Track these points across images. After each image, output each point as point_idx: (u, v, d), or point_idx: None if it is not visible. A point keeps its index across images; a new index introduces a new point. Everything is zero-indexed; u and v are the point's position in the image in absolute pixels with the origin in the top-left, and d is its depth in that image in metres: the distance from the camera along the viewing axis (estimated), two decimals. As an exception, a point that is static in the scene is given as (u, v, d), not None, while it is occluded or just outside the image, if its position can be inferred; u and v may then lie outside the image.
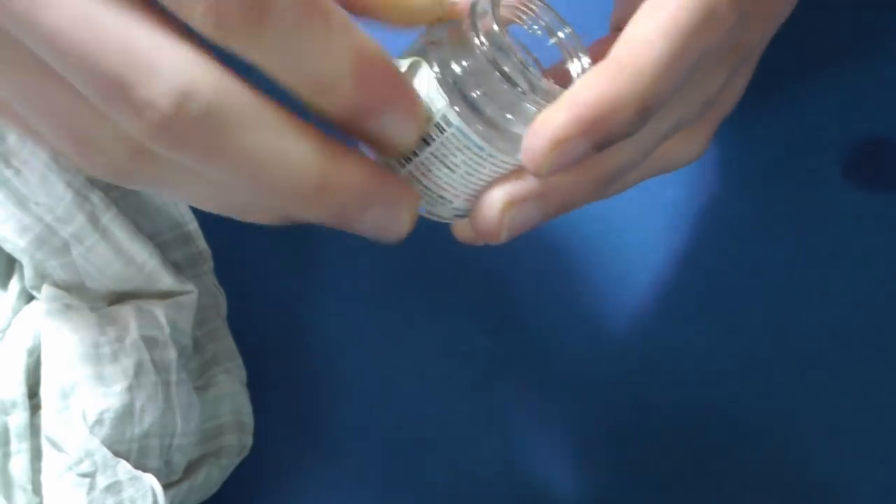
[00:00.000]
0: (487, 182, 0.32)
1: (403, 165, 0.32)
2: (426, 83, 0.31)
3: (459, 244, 0.47)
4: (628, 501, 0.45)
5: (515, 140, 0.31)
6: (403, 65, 0.32)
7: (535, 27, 0.33)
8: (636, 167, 0.34)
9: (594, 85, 0.31)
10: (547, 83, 0.31)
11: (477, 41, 0.31)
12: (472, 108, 0.31)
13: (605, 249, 0.47)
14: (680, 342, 0.46)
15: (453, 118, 0.31)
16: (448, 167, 0.32)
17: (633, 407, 0.46)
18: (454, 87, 0.31)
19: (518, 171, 0.32)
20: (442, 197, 0.33)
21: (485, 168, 0.32)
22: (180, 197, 0.31)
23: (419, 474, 0.46)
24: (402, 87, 0.30)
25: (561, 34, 0.33)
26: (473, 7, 0.32)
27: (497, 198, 0.32)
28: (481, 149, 0.31)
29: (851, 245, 0.47)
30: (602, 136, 0.31)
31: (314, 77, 0.28)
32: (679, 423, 0.46)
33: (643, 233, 0.47)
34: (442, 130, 0.31)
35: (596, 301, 0.47)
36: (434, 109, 0.31)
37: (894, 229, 0.46)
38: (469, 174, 0.32)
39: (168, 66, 0.27)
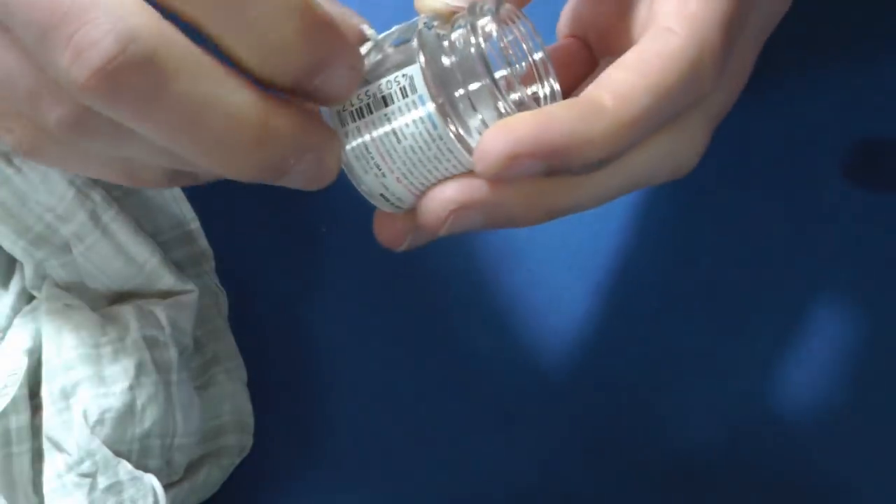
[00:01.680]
0: (423, 175, 0.33)
1: (354, 120, 0.32)
2: (404, 53, 0.32)
3: (459, 244, 0.47)
4: (628, 501, 0.45)
5: (469, 140, 0.32)
6: (389, 31, 0.33)
7: (516, 47, 0.33)
8: (585, 209, 0.35)
9: (569, 118, 0.31)
10: (526, 95, 0.32)
11: (472, 38, 0.31)
12: (442, 87, 0.31)
13: (605, 249, 0.47)
14: (680, 342, 0.46)
15: (420, 86, 0.31)
16: (396, 135, 0.32)
17: (633, 406, 0.46)
18: (434, 67, 0.31)
19: (468, 174, 0.33)
20: (378, 167, 0.32)
21: (429, 151, 0.32)
22: (95, 171, 0.31)
23: (419, 474, 0.46)
24: (343, 40, 0.30)
25: (537, 57, 0.33)
26: (473, 6, 0.32)
27: (448, 197, 0.32)
28: (435, 126, 0.32)
29: (851, 245, 0.47)
30: (558, 167, 0.31)
31: (263, 45, 0.28)
32: (679, 423, 0.46)
33: (643, 232, 0.47)
34: (405, 94, 0.31)
35: (596, 301, 0.47)
36: (403, 73, 0.32)
37: (894, 229, 0.47)
38: (412, 151, 0.32)
39: (110, 8, 0.27)
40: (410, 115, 0.32)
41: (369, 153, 0.32)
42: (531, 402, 0.46)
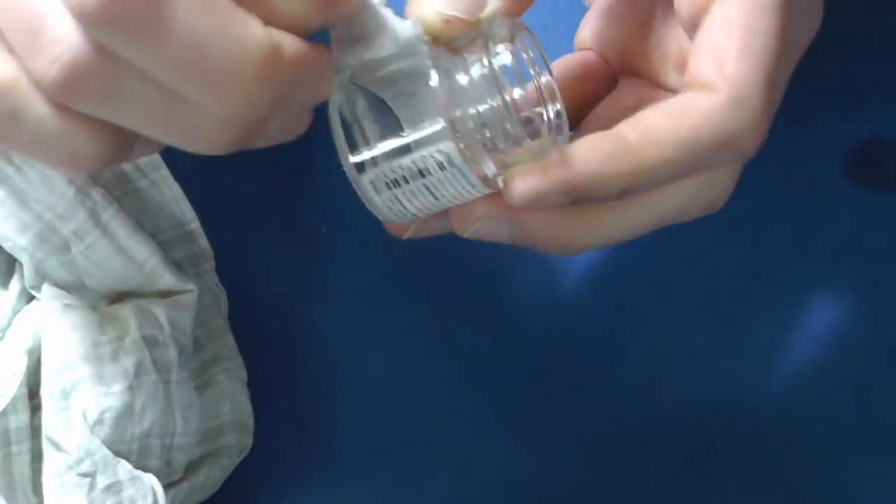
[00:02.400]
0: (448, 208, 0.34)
1: (390, 188, 0.33)
2: (432, 119, 0.32)
3: (459, 244, 0.47)
4: (628, 501, 0.45)
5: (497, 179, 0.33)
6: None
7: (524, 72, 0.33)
8: (612, 244, 0.35)
9: (594, 156, 0.32)
10: (548, 135, 0.32)
11: (496, 84, 0.32)
12: (477, 150, 0.32)
13: (604, 249, 0.47)
14: (680, 342, 0.46)
15: (457, 160, 0.32)
16: (435, 196, 0.33)
17: (633, 406, 0.46)
18: (465, 131, 0.32)
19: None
20: (414, 214, 0.34)
21: (468, 196, 0.33)
22: (127, 118, 0.30)
23: (419, 474, 0.46)
24: None
25: (544, 79, 0.33)
26: (489, 29, 0.32)
27: (477, 212, 0.34)
28: (473, 186, 0.32)
29: (851, 245, 0.47)
30: (580, 199, 0.32)
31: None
32: (679, 423, 0.46)
33: (643, 232, 0.47)
34: (442, 168, 0.32)
35: (596, 301, 0.47)
36: (439, 150, 0.32)
37: (894, 229, 0.46)
38: (451, 201, 0.33)
39: None
40: (449, 182, 0.32)
41: (405, 209, 0.33)
42: (531, 402, 0.46)
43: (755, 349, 0.46)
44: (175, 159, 0.45)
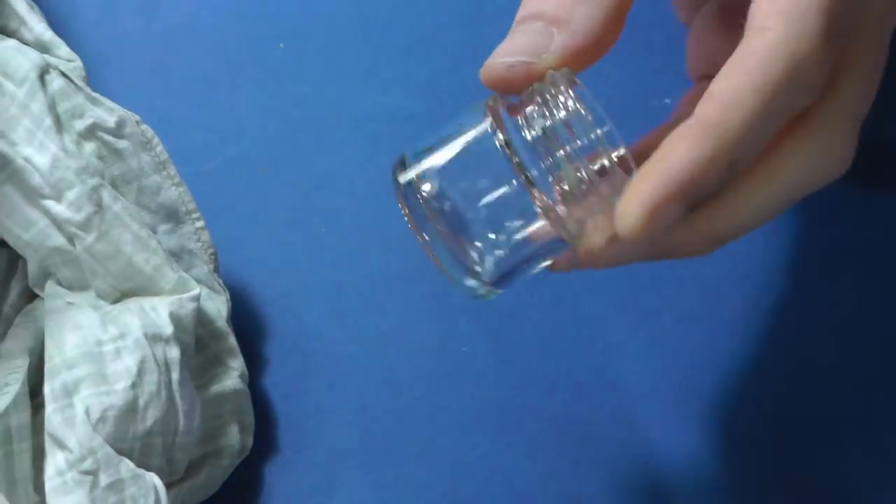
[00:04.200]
0: None
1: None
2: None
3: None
4: (628, 501, 0.45)
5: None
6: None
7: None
8: (748, 231, 0.34)
9: (681, 148, 0.31)
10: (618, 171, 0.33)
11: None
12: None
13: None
14: (680, 342, 0.46)
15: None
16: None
17: (634, 407, 0.46)
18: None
19: None
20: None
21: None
22: None
23: (419, 474, 0.46)
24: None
25: (606, 128, 0.33)
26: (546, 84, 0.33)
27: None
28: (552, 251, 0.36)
29: (851, 245, 0.47)
30: (695, 197, 0.31)
31: None
32: (679, 424, 0.46)
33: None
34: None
35: (596, 301, 0.47)
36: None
37: (894, 229, 0.47)
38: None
39: None
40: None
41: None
42: (532, 402, 0.46)
43: (756, 349, 0.46)
44: (179, 159, 0.45)
